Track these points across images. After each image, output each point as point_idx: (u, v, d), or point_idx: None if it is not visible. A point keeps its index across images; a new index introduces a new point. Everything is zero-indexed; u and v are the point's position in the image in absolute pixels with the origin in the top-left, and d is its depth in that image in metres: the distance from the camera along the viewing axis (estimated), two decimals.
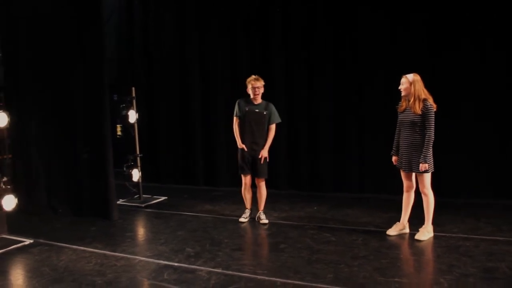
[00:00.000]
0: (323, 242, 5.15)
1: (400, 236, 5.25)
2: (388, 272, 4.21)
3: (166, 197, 7.61)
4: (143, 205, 7.13)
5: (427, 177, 4.97)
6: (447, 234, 5.21)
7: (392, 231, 5.29)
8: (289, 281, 4.11)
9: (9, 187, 5.56)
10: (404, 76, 4.98)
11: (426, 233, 5.09)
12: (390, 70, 6.79)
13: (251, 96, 5.86)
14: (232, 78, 7.94)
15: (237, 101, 5.97)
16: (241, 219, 6.08)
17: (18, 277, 4.57)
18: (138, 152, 7.47)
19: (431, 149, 4.87)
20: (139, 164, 7.46)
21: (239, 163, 6.00)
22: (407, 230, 5.30)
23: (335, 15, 7.30)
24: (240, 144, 5.93)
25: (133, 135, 7.45)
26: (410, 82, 4.90)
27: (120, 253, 4.98)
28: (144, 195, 7.55)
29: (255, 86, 5.80)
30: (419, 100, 4.86)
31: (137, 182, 7.47)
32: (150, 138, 8.82)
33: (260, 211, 6.08)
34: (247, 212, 6.14)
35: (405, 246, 5.00)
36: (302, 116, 7.70)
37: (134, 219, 6.53)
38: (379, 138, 7.02)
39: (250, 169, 5.97)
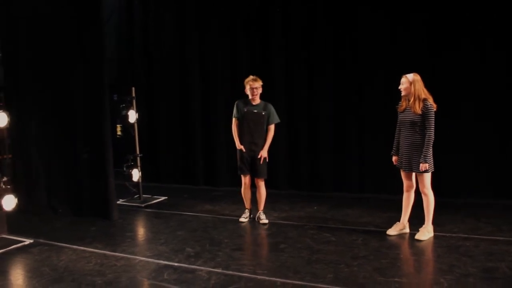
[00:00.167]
0: (323, 242, 5.15)
1: (400, 236, 5.25)
2: (388, 272, 4.21)
3: (166, 197, 7.61)
4: (143, 205, 7.13)
5: (427, 177, 4.97)
6: (447, 234, 5.21)
7: (392, 231, 5.29)
8: (289, 281, 4.11)
9: (9, 187, 5.56)
10: (404, 76, 4.98)
11: (426, 233, 5.09)
12: (390, 70, 6.79)
13: (250, 97, 5.86)
14: (232, 78, 7.94)
15: (236, 102, 5.98)
16: (241, 219, 6.08)
17: (18, 277, 4.57)
18: (138, 152, 7.47)
19: (431, 149, 4.87)
20: (139, 164, 7.46)
21: (238, 164, 6.01)
22: (407, 230, 5.30)
23: (335, 15, 7.30)
24: (238, 145, 5.94)
25: (133, 135, 7.45)
26: (410, 82, 4.90)
27: (120, 253, 4.98)
28: (144, 195, 7.55)
29: (253, 87, 5.80)
30: (419, 100, 4.86)
31: (137, 182, 7.47)
32: (150, 138, 8.83)
33: (260, 211, 6.07)
34: (247, 212, 6.14)
35: (405, 246, 5.00)
36: (302, 116, 7.70)
37: (134, 219, 6.53)
38: (379, 138, 7.02)
39: (249, 170, 5.98)
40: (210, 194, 7.85)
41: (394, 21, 6.98)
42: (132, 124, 7.40)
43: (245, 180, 6.03)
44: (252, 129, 5.88)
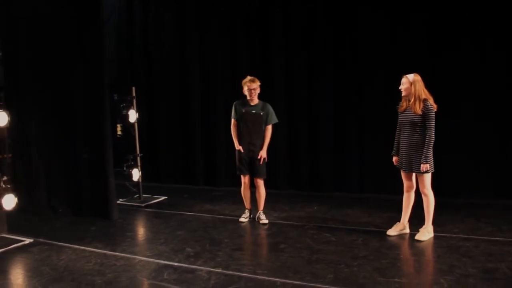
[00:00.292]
0: (323, 242, 5.15)
1: (400, 236, 5.24)
2: (388, 272, 4.21)
3: (166, 197, 7.61)
4: (143, 205, 7.13)
5: (428, 177, 4.96)
6: (447, 235, 5.21)
7: (392, 231, 5.28)
8: (289, 281, 4.11)
9: (9, 186, 5.56)
10: (404, 76, 4.98)
11: (426, 233, 5.09)
12: (390, 70, 6.79)
13: (248, 98, 5.87)
14: (232, 78, 7.93)
15: (234, 103, 5.98)
16: (241, 219, 6.08)
17: (18, 276, 4.58)
18: (138, 152, 7.48)
19: (431, 150, 4.87)
20: (139, 164, 7.47)
21: (237, 165, 6.02)
22: (407, 231, 5.30)
23: (335, 15, 7.30)
24: (237, 146, 5.94)
25: (133, 134, 7.45)
26: (410, 82, 4.90)
27: (120, 252, 4.99)
28: (144, 195, 7.56)
29: (251, 88, 5.79)
30: (420, 100, 4.85)
31: (137, 182, 7.48)
32: (150, 138, 8.83)
33: (259, 211, 6.08)
34: (247, 212, 6.14)
35: (405, 247, 5.00)
36: (302, 116, 7.70)
37: (134, 218, 6.53)
38: (379, 138, 7.02)
39: (248, 170, 5.98)
40: (210, 194, 7.86)
41: (394, 21, 6.98)
42: (132, 124, 7.40)
43: (245, 179, 6.04)
44: (251, 130, 5.88)
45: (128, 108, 7.31)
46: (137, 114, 7.41)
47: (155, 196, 7.63)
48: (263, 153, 5.89)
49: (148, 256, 4.86)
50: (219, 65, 8.24)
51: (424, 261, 4.62)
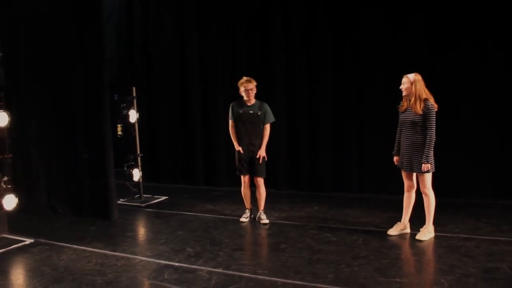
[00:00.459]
0: (323, 242, 5.15)
1: (401, 236, 5.24)
2: (389, 272, 4.21)
3: (166, 197, 7.62)
4: (143, 205, 7.13)
5: (428, 177, 4.96)
6: (448, 234, 5.21)
7: (393, 231, 5.29)
8: (290, 281, 4.11)
9: (9, 186, 5.56)
10: (405, 76, 4.97)
11: (427, 233, 5.09)
12: (390, 70, 6.80)
13: (244, 98, 5.87)
14: (232, 78, 7.90)
15: (231, 105, 5.99)
16: (242, 219, 6.08)
17: (18, 276, 4.58)
18: (138, 152, 7.48)
19: (432, 149, 4.87)
20: (139, 164, 7.47)
21: (237, 165, 6.02)
22: (408, 230, 5.30)
23: (335, 15, 7.30)
24: (237, 147, 5.95)
25: (134, 134, 7.45)
26: (411, 82, 4.90)
27: (121, 252, 4.99)
28: (144, 195, 7.56)
29: (248, 88, 5.80)
30: (420, 100, 4.85)
31: (138, 182, 7.48)
32: (150, 138, 8.83)
33: (260, 211, 6.08)
34: (248, 212, 6.15)
35: (406, 246, 4.99)
36: (302, 116, 7.70)
37: (134, 218, 6.53)
38: (379, 138, 7.03)
39: (247, 170, 5.99)
40: (211, 194, 7.86)
41: (394, 21, 6.98)
42: (133, 124, 7.40)
43: (245, 179, 6.05)
44: (249, 130, 5.89)
45: (129, 108, 7.31)
46: (138, 114, 7.41)
47: (155, 196, 7.64)
48: (262, 152, 5.90)
49: (148, 256, 4.86)
50: (219, 65, 8.24)
51: (424, 261, 4.61)
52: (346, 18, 7.25)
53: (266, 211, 6.12)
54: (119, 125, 8.23)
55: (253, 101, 5.89)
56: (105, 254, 4.96)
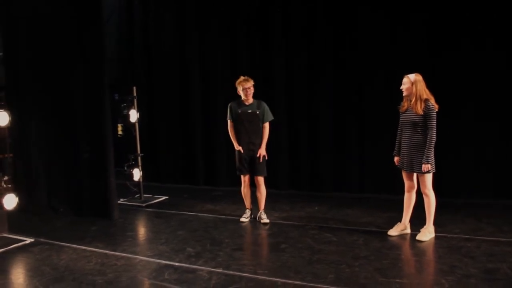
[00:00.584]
0: (324, 242, 5.15)
1: (401, 236, 5.24)
2: (389, 273, 4.21)
3: (166, 197, 7.62)
4: (143, 205, 7.14)
5: (429, 178, 4.96)
6: (449, 235, 5.21)
7: (393, 232, 5.28)
8: (290, 281, 4.11)
9: (10, 186, 5.57)
10: (406, 76, 4.97)
11: (427, 233, 5.08)
12: (390, 70, 6.81)
13: (243, 98, 5.88)
14: (232, 78, 7.87)
15: (229, 105, 6.00)
16: (242, 219, 6.08)
17: (18, 276, 4.57)
18: (139, 152, 7.48)
19: (432, 150, 4.86)
20: (140, 164, 7.47)
21: (237, 165, 6.03)
22: (408, 231, 5.29)
23: (335, 15, 7.30)
24: (237, 146, 5.96)
25: (134, 134, 7.45)
26: (412, 82, 4.89)
27: (121, 252, 4.99)
28: (145, 195, 7.56)
29: (246, 87, 5.81)
30: (421, 100, 4.85)
31: (138, 182, 7.48)
32: (150, 137, 8.84)
33: (261, 211, 6.08)
34: (248, 212, 6.15)
35: (406, 247, 4.99)
36: (302, 116, 7.70)
37: (134, 218, 6.53)
38: (379, 138, 7.03)
39: (248, 170, 6.00)
40: (211, 194, 7.86)
41: (394, 21, 6.98)
42: (133, 124, 7.40)
43: (245, 179, 6.05)
44: (249, 130, 5.89)
45: (129, 108, 7.32)
46: (138, 114, 7.41)
47: (155, 196, 7.64)
48: (262, 151, 5.91)
49: (148, 256, 4.86)
50: (219, 65, 8.25)
51: (425, 261, 4.61)
52: (346, 18, 7.26)
53: (266, 211, 6.12)
54: (119, 125, 8.23)
55: (251, 100, 5.90)
56: (105, 253, 4.96)
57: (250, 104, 5.89)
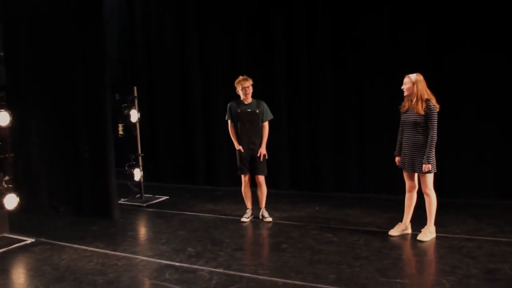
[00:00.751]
0: (324, 242, 5.14)
1: (402, 236, 5.24)
2: (390, 273, 4.21)
3: (167, 197, 7.62)
4: (144, 205, 7.14)
5: (430, 178, 4.95)
6: (450, 235, 5.20)
7: (394, 232, 5.28)
8: (291, 281, 4.11)
9: (10, 186, 5.57)
10: (407, 76, 4.96)
11: (428, 233, 5.08)
12: (390, 70, 6.82)
13: (242, 97, 5.89)
14: (232, 78, 7.89)
15: (229, 105, 6.01)
16: (243, 219, 6.08)
17: (19, 276, 4.58)
18: (139, 152, 7.48)
19: (434, 150, 4.86)
20: (140, 164, 7.47)
21: (238, 165, 6.04)
22: (409, 231, 5.29)
23: (335, 15, 7.30)
24: (237, 146, 5.96)
25: (135, 134, 7.45)
26: (413, 82, 4.88)
27: (122, 252, 4.99)
28: (145, 195, 7.57)
29: (245, 86, 5.83)
30: (422, 100, 4.84)
31: (139, 182, 7.48)
32: (151, 137, 8.84)
33: (262, 209, 6.11)
34: (248, 212, 6.15)
35: (407, 247, 4.99)
36: (302, 116, 7.70)
37: (135, 218, 6.53)
38: (379, 138, 7.04)
39: (249, 169, 6.01)
40: (211, 194, 7.87)
41: (394, 21, 6.97)
42: (134, 124, 7.40)
43: (245, 178, 6.06)
44: (249, 129, 5.90)
45: (130, 108, 7.32)
46: (139, 114, 7.41)
47: (156, 196, 7.64)
48: (262, 150, 5.92)
49: (149, 256, 4.86)
50: (219, 65, 8.25)
51: (426, 261, 4.61)
52: (346, 18, 7.25)
53: (267, 211, 6.13)
54: (120, 125, 8.22)
55: (250, 99, 5.91)
56: (106, 253, 4.96)
57: (250, 104, 5.90)
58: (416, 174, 5.10)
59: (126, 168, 7.37)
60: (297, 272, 4.31)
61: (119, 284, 4.15)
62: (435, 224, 5.13)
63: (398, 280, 4.06)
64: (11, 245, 5.27)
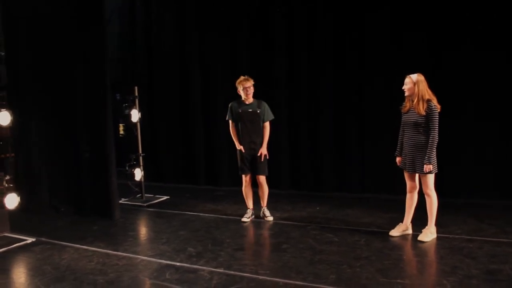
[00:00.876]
0: (325, 242, 5.14)
1: (403, 237, 5.23)
2: (391, 273, 4.21)
3: (168, 197, 7.63)
4: (145, 205, 7.14)
5: (431, 178, 4.95)
6: (450, 236, 5.20)
7: (395, 232, 5.27)
8: (291, 281, 4.11)
9: (11, 185, 5.57)
10: (408, 76, 4.95)
11: (429, 234, 5.07)
12: (390, 70, 6.83)
13: (243, 97, 5.90)
14: (233, 78, 7.88)
15: (230, 105, 6.02)
16: (244, 219, 6.08)
17: (20, 275, 4.58)
18: (140, 151, 7.48)
19: (435, 150, 4.85)
20: (141, 163, 7.47)
21: (239, 164, 6.04)
22: (410, 231, 5.29)
23: (335, 15, 7.30)
24: (238, 146, 5.97)
25: (136, 134, 7.45)
26: (414, 82, 4.88)
27: (122, 252, 4.99)
28: (146, 195, 7.57)
29: (246, 87, 5.84)
30: (423, 100, 4.83)
31: (140, 182, 7.48)
32: (152, 137, 8.84)
33: (263, 207, 6.12)
34: (249, 212, 6.15)
35: (408, 247, 4.98)
36: (302, 116, 7.69)
37: (136, 218, 6.53)
38: (379, 138, 7.05)
39: (250, 169, 6.01)
40: (212, 194, 7.87)
41: (394, 21, 6.97)
42: (135, 124, 7.40)
43: (246, 178, 6.06)
44: (250, 129, 5.91)
45: (131, 107, 7.32)
46: (139, 113, 7.41)
47: (157, 196, 7.65)
48: (263, 150, 5.93)
49: (150, 256, 4.86)
50: (219, 65, 8.25)
51: (427, 262, 4.60)
52: (346, 18, 7.25)
53: (268, 210, 6.14)
54: (121, 125, 8.24)
55: (251, 99, 5.92)
56: (106, 253, 4.96)
57: (251, 104, 5.91)
58: (417, 175, 5.09)
59: (127, 168, 7.37)
60: (298, 272, 4.31)
61: (119, 284, 4.15)
62: (436, 224, 5.12)
63: (399, 280, 4.05)
64: (12, 245, 5.28)
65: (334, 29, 7.33)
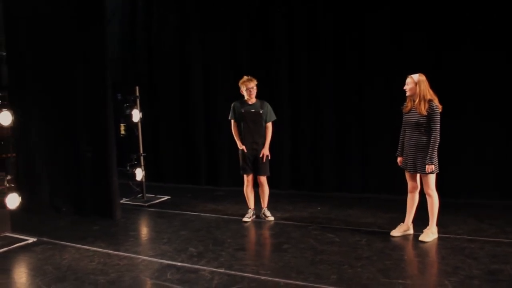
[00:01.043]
0: (326, 242, 5.14)
1: (404, 237, 5.23)
2: (392, 274, 4.21)
3: (169, 197, 7.63)
4: (146, 205, 7.14)
5: (432, 178, 4.94)
6: (451, 236, 5.20)
7: (396, 232, 5.27)
8: (292, 281, 4.11)
9: (12, 185, 5.58)
10: (409, 76, 4.95)
11: (430, 234, 5.07)
12: (390, 70, 6.83)
13: (246, 97, 5.90)
14: (234, 78, 7.90)
15: (232, 105, 6.01)
16: (245, 219, 6.08)
17: (21, 275, 4.58)
18: (141, 151, 7.48)
19: (436, 150, 4.85)
20: (142, 163, 7.47)
21: (241, 164, 6.03)
22: (411, 231, 5.28)
23: (335, 15, 7.30)
24: (240, 146, 5.97)
25: (137, 134, 7.45)
26: (415, 82, 4.87)
27: (123, 252, 4.99)
28: (147, 195, 7.56)
29: (249, 87, 5.84)
30: (425, 100, 4.83)
31: (141, 182, 7.48)
32: (153, 137, 8.84)
33: (264, 208, 6.12)
34: (250, 212, 6.15)
35: (409, 248, 4.98)
36: (303, 116, 7.70)
37: (137, 218, 6.53)
38: (379, 138, 7.05)
39: (251, 169, 6.01)
40: (213, 194, 7.86)
41: (395, 21, 6.97)
42: (136, 124, 7.40)
43: (248, 178, 6.06)
44: (252, 129, 5.91)
45: (132, 107, 7.32)
46: (141, 113, 7.42)
47: (158, 196, 7.65)
48: (265, 151, 5.93)
49: (151, 256, 4.86)
50: (220, 65, 8.26)
51: (428, 262, 4.60)
52: (346, 18, 7.25)
53: (269, 210, 6.14)
54: (122, 125, 8.24)
55: (254, 100, 5.92)
56: (107, 253, 4.96)
57: (253, 104, 5.91)
58: (418, 175, 5.09)
59: (128, 168, 7.37)
60: (299, 272, 4.31)
61: (120, 284, 4.15)
62: (437, 224, 5.12)
63: (400, 280, 4.05)
64: (13, 245, 5.28)
65: (334, 29, 7.33)
